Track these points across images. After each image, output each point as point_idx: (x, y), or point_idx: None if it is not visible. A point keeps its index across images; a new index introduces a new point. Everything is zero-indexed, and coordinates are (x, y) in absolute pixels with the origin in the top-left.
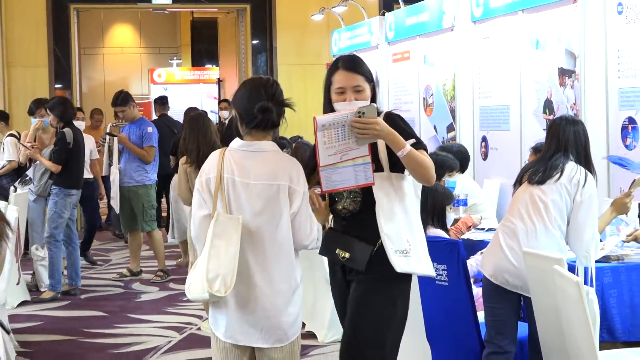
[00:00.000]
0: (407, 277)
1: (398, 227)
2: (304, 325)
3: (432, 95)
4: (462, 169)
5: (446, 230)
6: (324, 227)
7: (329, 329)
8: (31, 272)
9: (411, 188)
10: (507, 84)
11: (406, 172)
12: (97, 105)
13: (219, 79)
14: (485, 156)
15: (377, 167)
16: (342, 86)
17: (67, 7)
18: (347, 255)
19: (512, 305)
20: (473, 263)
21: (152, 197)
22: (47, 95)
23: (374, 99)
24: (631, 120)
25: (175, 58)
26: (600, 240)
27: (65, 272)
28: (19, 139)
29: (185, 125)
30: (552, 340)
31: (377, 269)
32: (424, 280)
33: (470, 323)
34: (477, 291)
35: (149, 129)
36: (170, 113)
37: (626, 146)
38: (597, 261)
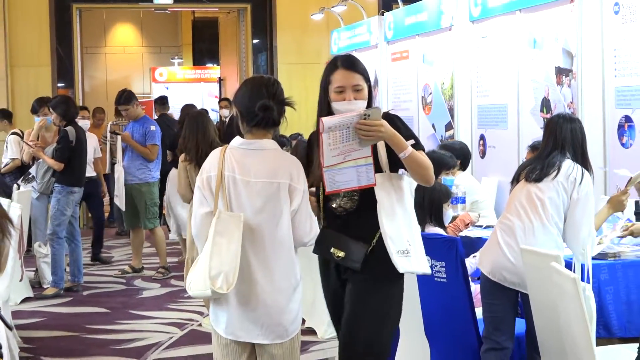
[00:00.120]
0: (401, 276)
1: (399, 228)
2: (303, 321)
3: (430, 94)
4: (464, 166)
5: (443, 227)
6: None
7: (329, 325)
8: (34, 268)
9: (408, 187)
10: (505, 83)
11: (401, 170)
12: (99, 104)
13: (219, 77)
14: (483, 154)
15: (377, 168)
16: (342, 85)
17: (70, 7)
18: (342, 254)
19: (509, 301)
20: (468, 266)
21: (154, 195)
22: (49, 94)
23: (370, 98)
24: (627, 118)
25: (176, 57)
26: (597, 236)
27: (67, 269)
28: (22, 137)
29: (184, 124)
30: (549, 336)
31: (372, 269)
32: (422, 277)
33: (468, 319)
34: (475, 288)
35: (152, 127)
36: (171, 111)
37: (622, 144)
38: (593, 258)
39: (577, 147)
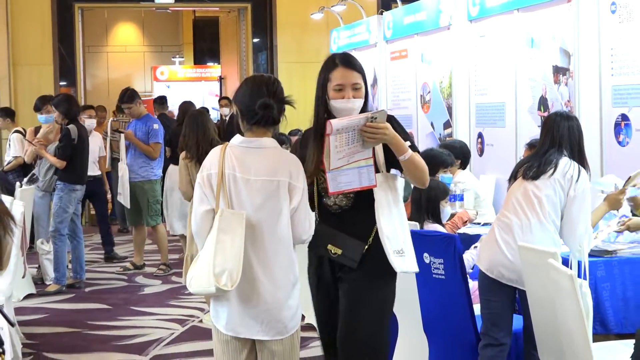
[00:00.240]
0: (395, 274)
1: (395, 228)
2: (303, 317)
3: (429, 92)
4: (464, 165)
5: (441, 224)
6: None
7: None
8: (37, 265)
9: (401, 187)
10: (503, 82)
11: (393, 170)
12: (100, 103)
13: (220, 76)
14: (481, 152)
15: (375, 168)
16: (341, 83)
17: (72, 6)
18: (339, 251)
19: (507, 298)
20: (469, 257)
21: (157, 193)
22: (52, 92)
23: (366, 97)
24: (624, 117)
25: (177, 56)
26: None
27: (70, 266)
28: (24, 136)
29: (185, 123)
30: (546, 332)
31: (368, 267)
32: (421, 274)
33: (466, 316)
34: (472, 284)
35: (155, 126)
36: (171, 109)
37: (619, 142)
38: (590, 255)
39: (574, 145)
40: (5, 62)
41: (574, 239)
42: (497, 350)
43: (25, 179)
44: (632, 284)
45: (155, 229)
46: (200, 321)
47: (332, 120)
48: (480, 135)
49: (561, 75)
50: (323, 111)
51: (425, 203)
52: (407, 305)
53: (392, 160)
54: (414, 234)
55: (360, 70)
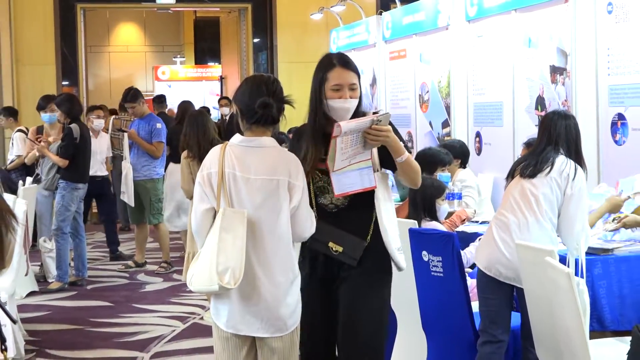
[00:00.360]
0: (391, 271)
1: (393, 225)
2: None
3: (427, 92)
4: (464, 164)
5: (438, 222)
6: None
7: None
8: (39, 263)
9: (390, 186)
10: (501, 81)
11: (384, 170)
12: (102, 102)
13: (221, 76)
14: (479, 151)
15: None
16: (339, 83)
17: (74, 6)
18: (340, 249)
19: (505, 296)
20: (467, 254)
21: (159, 191)
22: (54, 92)
23: (360, 97)
24: (620, 116)
25: (178, 56)
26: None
27: (72, 264)
28: (27, 135)
29: (186, 123)
30: (543, 329)
31: (368, 264)
32: (420, 272)
33: (464, 313)
34: (471, 282)
35: (158, 125)
36: (171, 107)
37: (615, 142)
38: (587, 253)
39: (570, 144)
40: (8, 62)
41: (572, 237)
42: (496, 347)
43: (31, 180)
44: (628, 281)
45: (157, 227)
46: (201, 318)
47: (341, 123)
48: (478, 135)
49: (558, 75)
50: (320, 110)
51: (421, 202)
52: (405, 303)
53: (383, 160)
54: (412, 232)
55: (356, 70)
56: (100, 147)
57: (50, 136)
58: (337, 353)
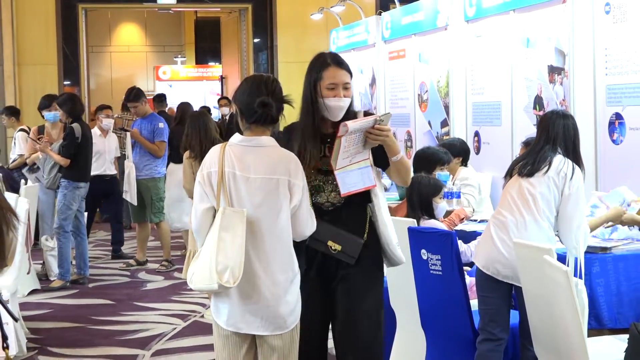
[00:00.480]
0: (383, 269)
1: (390, 222)
2: None
3: (426, 91)
4: (465, 161)
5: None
6: None
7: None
8: (41, 261)
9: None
10: (499, 81)
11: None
12: (104, 102)
13: (221, 76)
14: (477, 150)
15: None
16: (334, 82)
17: (76, 7)
18: (339, 247)
19: (503, 294)
20: (466, 251)
21: (160, 190)
22: (56, 92)
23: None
24: (618, 115)
25: (179, 56)
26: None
27: (74, 262)
28: (29, 134)
29: (187, 123)
30: (542, 327)
31: (364, 262)
32: (419, 270)
33: (463, 311)
34: (470, 280)
35: (160, 125)
36: (171, 106)
37: (613, 141)
38: (586, 252)
39: (568, 143)
40: (10, 62)
41: (570, 236)
42: (495, 345)
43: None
44: (625, 279)
45: (158, 225)
46: (202, 316)
47: (347, 122)
48: (476, 134)
49: (556, 75)
50: (317, 109)
51: (417, 201)
52: (405, 301)
53: (375, 158)
54: (411, 230)
55: (349, 70)
56: (109, 146)
57: (52, 136)
58: (335, 351)
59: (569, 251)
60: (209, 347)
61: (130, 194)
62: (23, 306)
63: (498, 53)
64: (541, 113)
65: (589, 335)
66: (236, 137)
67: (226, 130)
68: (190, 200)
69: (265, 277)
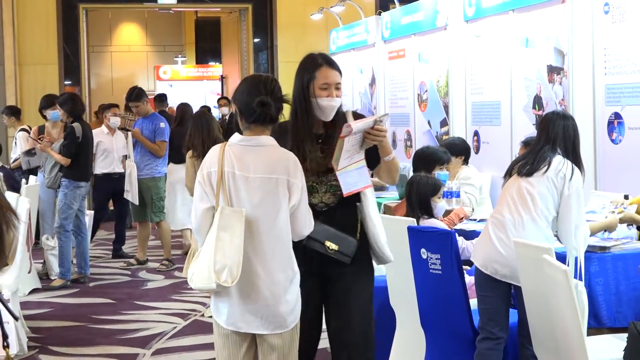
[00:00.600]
0: (373, 268)
1: (379, 221)
2: None
3: (426, 91)
4: (466, 160)
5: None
6: None
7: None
8: (42, 261)
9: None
10: (498, 81)
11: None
12: (105, 101)
13: (222, 75)
14: (477, 150)
15: None
16: (328, 82)
17: (77, 7)
18: (335, 247)
19: (502, 294)
20: (465, 247)
21: (161, 190)
22: (57, 91)
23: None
24: (617, 115)
25: (180, 56)
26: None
27: (74, 261)
28: (30, 134)
29: (191, 123)
30: (540, 326)
31: (358, 262)
32: (418, 270)
33: (462, 310)
34: (469, 279)
35: (162, 124)
36: (172, 105)
37: (612, 140)
38: (585, 251)
39: (568, 144)
40: (11, 62)
41: (570, 237)
42: (494, 344)
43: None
44: (624, 278)
45: (158, 224)
46: (202, 315)
47: (350, 123)
48: (476, 133)
49: (555, 75)
50: (310, 109)
51: (416, 200)
52: (404, 300)
53: (366, 157)
54: (411, 229)
55: (340, 70)
56: (116, 144)
57: (53, 135)
58: (330, 348)
59: (569, 252)
60: (209, 346)
61: (131, 193)
62: (24, 305)
63: (497, 53)
64: (540, 113)
65: (588, 334)
66: (236, 137)
67: (226, 130)
68: (189, 198)
69: (264, 276)
